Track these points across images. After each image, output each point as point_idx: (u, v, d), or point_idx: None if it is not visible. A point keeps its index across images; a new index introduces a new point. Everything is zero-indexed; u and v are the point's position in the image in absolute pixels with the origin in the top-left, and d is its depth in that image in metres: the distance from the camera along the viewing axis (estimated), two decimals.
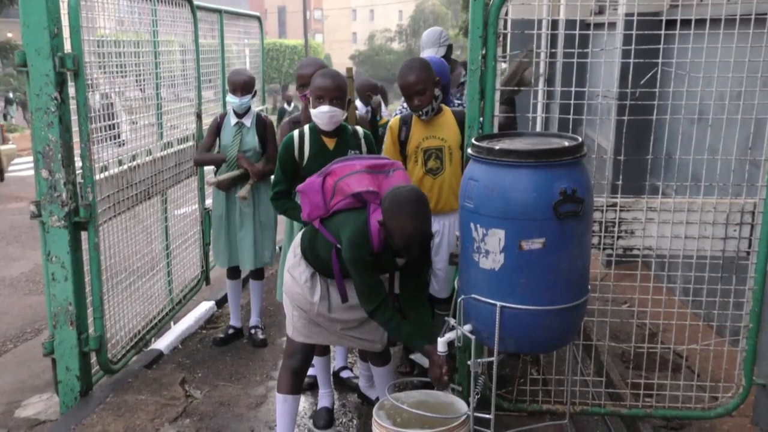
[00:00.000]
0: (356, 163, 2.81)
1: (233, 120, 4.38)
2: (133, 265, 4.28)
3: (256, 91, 4.50)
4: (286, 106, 7.23)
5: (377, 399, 3.00)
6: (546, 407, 3.16)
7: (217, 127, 4.44)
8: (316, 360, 3.57)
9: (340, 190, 2.74)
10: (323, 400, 3.60)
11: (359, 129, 3.37)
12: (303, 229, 3.04)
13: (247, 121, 4.37)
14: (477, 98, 2.90)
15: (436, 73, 3.76)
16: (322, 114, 3.13)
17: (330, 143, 3.25)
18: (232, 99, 4.33)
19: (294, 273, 2.94)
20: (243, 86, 4.30)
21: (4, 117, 13.54)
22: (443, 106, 3.52)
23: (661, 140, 3.32)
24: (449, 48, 4.67)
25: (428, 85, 3.35)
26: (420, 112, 3.40)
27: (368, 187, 2.71)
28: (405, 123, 3.53)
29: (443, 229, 3.54)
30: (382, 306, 2.69)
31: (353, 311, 2.92)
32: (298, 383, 3.06)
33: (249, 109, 4.40)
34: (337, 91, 3.13)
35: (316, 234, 2.86)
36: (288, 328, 3.04)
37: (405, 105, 3.80)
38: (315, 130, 3.27)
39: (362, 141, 3.34)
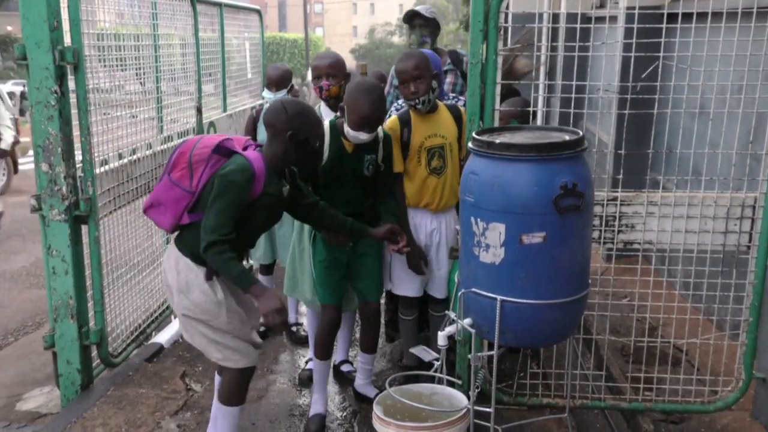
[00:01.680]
0: (199, 137, 2.76)
1: None
2: (133, 259, 4.28)
3: (292, 86, 4.50)
4: None
5: (376, 395, 2.98)
6: (546, 401, 3.17)
7: (253, 123, 4.43)
8: (315, 363, 3.48)
9: (197, 160, 2.63)
10: (316, 406, 3.47)
11: (379, 130, 3.24)
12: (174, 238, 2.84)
13: None
14: (478, 92, 2.89)
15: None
16: (359, 138, 3.10)
17: (348, 146, 3.20)
18: (267, 94, 4.37)
19: (190, 278, 2.70)
20: (278, 81, 4.33)
21: (21, 112, 13.53)
22: (438, 101, 3.46)
23: (661, 134, 3.31)
24: (436, 24, 4.57)
25: (427, 74, 3.28)
26: (417, 101, 3.28)
27: (224, 137, 2.68)
28: (405, 123, 3.41)
29: (441, 226, 3.50)
30: (221, 243, 2.51)
31: (250, 304, 2.84)
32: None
33: None
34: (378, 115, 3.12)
35: (188, 227, 2.69)
36: (226, 353, 2.79)
37: (400, 103, 3.77)
38: (335, 129, 3.19)
39: (380, 144, 3.25)
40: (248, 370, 2.87)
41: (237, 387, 2.88)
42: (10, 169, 11.09)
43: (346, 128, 3.09)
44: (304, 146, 2.68)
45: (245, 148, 2.71)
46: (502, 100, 3.12)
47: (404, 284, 3.55)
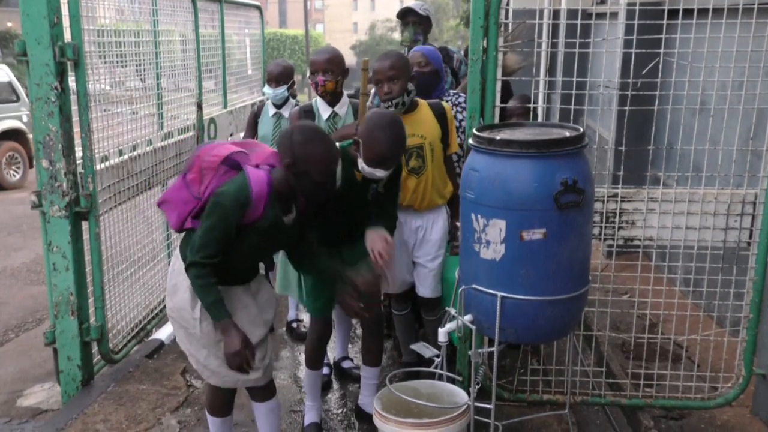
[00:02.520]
0: (219, 143, 2.69)
1: (271, 111, 4.38)
2: (134, 255, 4.29)
3: (294, 82, 4.48)
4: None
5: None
6: (546, 397, 3.17)
7: (254, 118, 4.44)
8: (306, 372, 3.35)
9: (207, 167, 2.53)
10: (311, 414, 3.36)
11: None
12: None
13: (286, 112, 4.34)
14: (478, 88, 2.89)
15: (430, 59, 3.73)
16: (374, 174, 2.86)
17: (358, 174, 2.94)
18: (267, 90, 4.35)
19: (179, 281, 2.61)
20: (278, 77, 4.29)
21: None
22: (419, 100, 3.37)
23: (662, 131, 3.32)
24: (428, 22, 4.60)
25: (402, 75, 3.18)
26: (390, 104, 3.20)
27: (237, 149, 2.56)
28: None
29: (426, 224, 3.42)
30: (201, 266, 2.43)
31: (242, 328, 2.58)
32: (229, 407, 2.90)
33: (287, 99, 4.39)
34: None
35: (191, 232, 2.58)
36: (199, 367, 2.70)
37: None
38: (348, 156, 2.89)
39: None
40: (218, 388, 2.78)
41: (214, 399, 2.83)
42: (26, 164, 11.23)
43: (361, 163, 2.83)
44: (304, 179, 2.48)
45: (259, 165, 2.55)
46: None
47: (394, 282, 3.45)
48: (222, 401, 2.85)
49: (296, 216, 2.63)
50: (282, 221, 2.57)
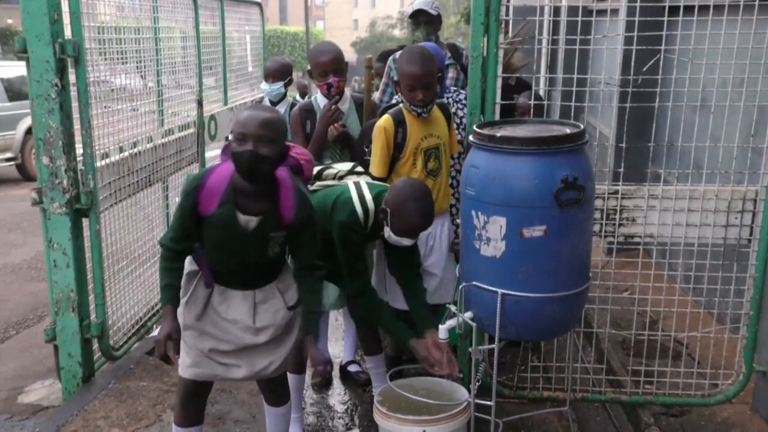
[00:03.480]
0: None
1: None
2: (134, 252, 4.29)
3: (291, 79, 4.48)
4: (298, 97, 6.55)
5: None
6: (547, 394, 3.18)
7: None
8: (291, 378, 3.10)
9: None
10: (293, 427, 3.18)
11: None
12: None
13: (281, 109, 4.34)
14: (479, 85, 2.89)
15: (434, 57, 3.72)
16: (401, 243, 2.84)
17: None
18: (264, 86, 4.38)
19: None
20: (275, 73, 4.31)
21: None
22: None
23: (663, 127, 3.31)
24: (439, 20, 4.61)
25: (435, 80, 3.12)
26: (423, 109, 3.11)
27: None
28: (400, 123, 3.17)
29: (435, 229, 3.29)
30: (165, 249, 2.42)
31: (231, 328, 2.54)
32: (195, 415, 2.75)
33: (284, 96, 4.39)
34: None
35: None
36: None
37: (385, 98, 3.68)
38: (377, 217, 2.87)
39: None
40: (189, 383, 2.65)
41: (178, 397, 2.71)
42: None
43: (387, 231, 2.79)
44: (238, 155, 2.26)
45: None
46: (511, 92, 3.10)
47: (399, 297, 3.24)
48: (185, 401, 2.70)
49: (261, 224, 2.41)
50: (236, 222, 2.38)
